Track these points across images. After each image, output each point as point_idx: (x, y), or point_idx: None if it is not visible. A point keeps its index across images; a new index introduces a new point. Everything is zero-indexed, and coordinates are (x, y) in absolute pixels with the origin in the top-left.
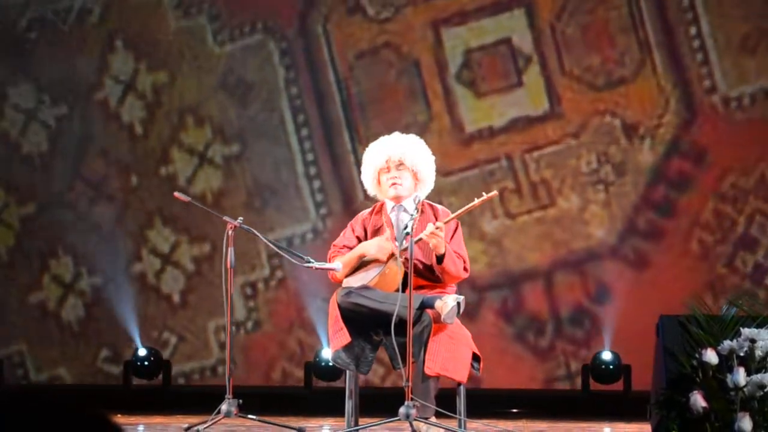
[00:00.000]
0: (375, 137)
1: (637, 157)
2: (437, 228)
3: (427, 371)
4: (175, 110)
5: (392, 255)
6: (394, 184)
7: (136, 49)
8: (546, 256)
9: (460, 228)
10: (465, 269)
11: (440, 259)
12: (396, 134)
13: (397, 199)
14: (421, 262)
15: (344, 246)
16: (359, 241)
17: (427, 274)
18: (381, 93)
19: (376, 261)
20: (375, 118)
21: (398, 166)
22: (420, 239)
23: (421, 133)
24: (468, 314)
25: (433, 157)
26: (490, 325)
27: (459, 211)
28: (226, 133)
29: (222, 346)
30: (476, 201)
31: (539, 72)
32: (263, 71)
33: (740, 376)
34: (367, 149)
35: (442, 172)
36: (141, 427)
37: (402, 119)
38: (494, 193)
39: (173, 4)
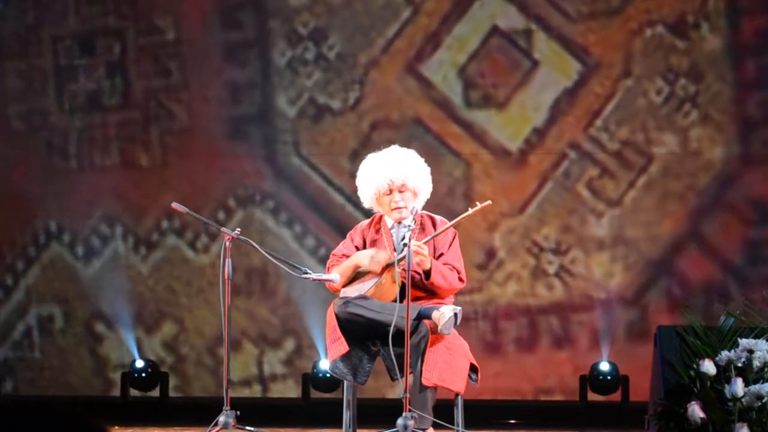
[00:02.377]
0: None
1: (705, 49)
2: (419, 246)
3: (425, 382)
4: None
5: (385, 267)
6: (397, 208)
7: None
8: (680, 216)
9: (456, 238)
10: (460, 279)
11: (427, 275)
12: (394, 151)
13: (399, 221)
14: (418, 274)
15: (343, 255)
16: (358, 251)
17: (424, 285)
18: None
19: (371, 272)
20: None
21: (400, 188)
22: (403, 258)
23: (470, 186)
24: (642, 337)
25: (428, 168)
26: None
27: (453, 221)
28: (269, 335)
29: None
30: (470, 210)
31: (547, 37)
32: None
33: (738, 386)
34: (366, 161)
35: (517, 208)
36: None
37: (441, 188)
38: (488, 202)
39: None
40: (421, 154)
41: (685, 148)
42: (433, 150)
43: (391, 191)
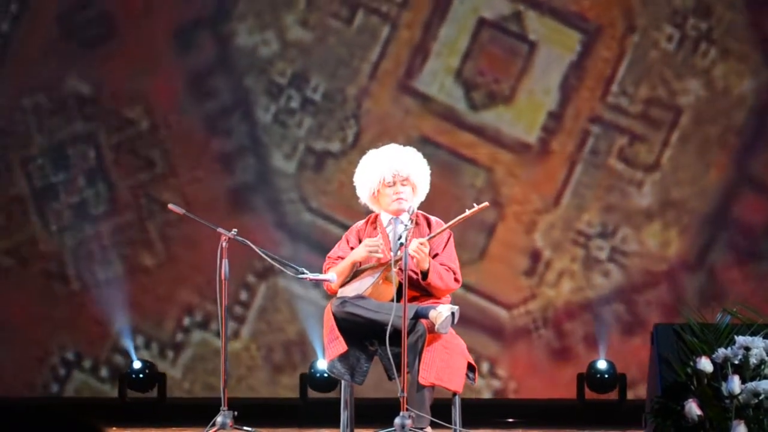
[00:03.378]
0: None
1: None
2: (420, 244)
3: (422, 381)
4: None
5: (383, 264)
6: (399, 199)
7: None
8: (725, 162)
9: (452, 239)
10: (456, 280)
11: (425, 275)
12: (395, 147)
13: (398, 212)
14: (415, 273)
15: (339, 257)
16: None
17: (421, 285)
18: (427, 209)
19: (370, 270)
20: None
21: (404, 181)
22: (400, 258)
23: (496, 191)
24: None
25: (429, 169)
26: None
27: (449, 223)
28: None
29: None
30: (467, 212)
31: (538, 15)
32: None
33: (735, 384)
34: (367, 158)
35: (551, 201)
36: None
37: (467, 201)
38: (485, 204)
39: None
40: (437, 172)
41: (712, 89)
42: (449, 164)
43: (394, 183)
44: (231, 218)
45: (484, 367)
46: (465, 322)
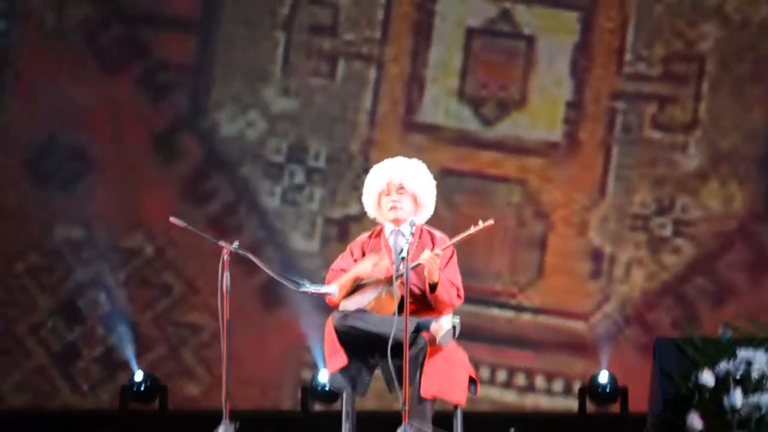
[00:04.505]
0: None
1: None
2: (435, 255)
3: (423, 394)
4: None
5: (389, 276)
6: (393, 207)
7: None
8: (765, 96)
9: (455, 256)
10: (458, 296)
11: (433, 287)
12: (399, 158)
13: (396, 222)
14: (417, 287)
15: (342, 269)
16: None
17: (423, 299)
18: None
19: (372, 285)
20: (479, 262)
21: (398, 189)
22: (418, 264)
23: (536, 202)
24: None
25: (435, 182)
26: None
27: (455, 239)
28: None
29: None
30: (472, 230)
31: (527, 8)
32: None
33: (737, 397)
34: (370, 171)
35: (596, 194)
36: None
37: (509, 221)
38: (490, 221)
39: None
40: (469, 200)
41: (730, 26)
42: (480, 189)
43: (389, 192)
44: (266, 316)
45: (576, 387)
46: (542, 345)
